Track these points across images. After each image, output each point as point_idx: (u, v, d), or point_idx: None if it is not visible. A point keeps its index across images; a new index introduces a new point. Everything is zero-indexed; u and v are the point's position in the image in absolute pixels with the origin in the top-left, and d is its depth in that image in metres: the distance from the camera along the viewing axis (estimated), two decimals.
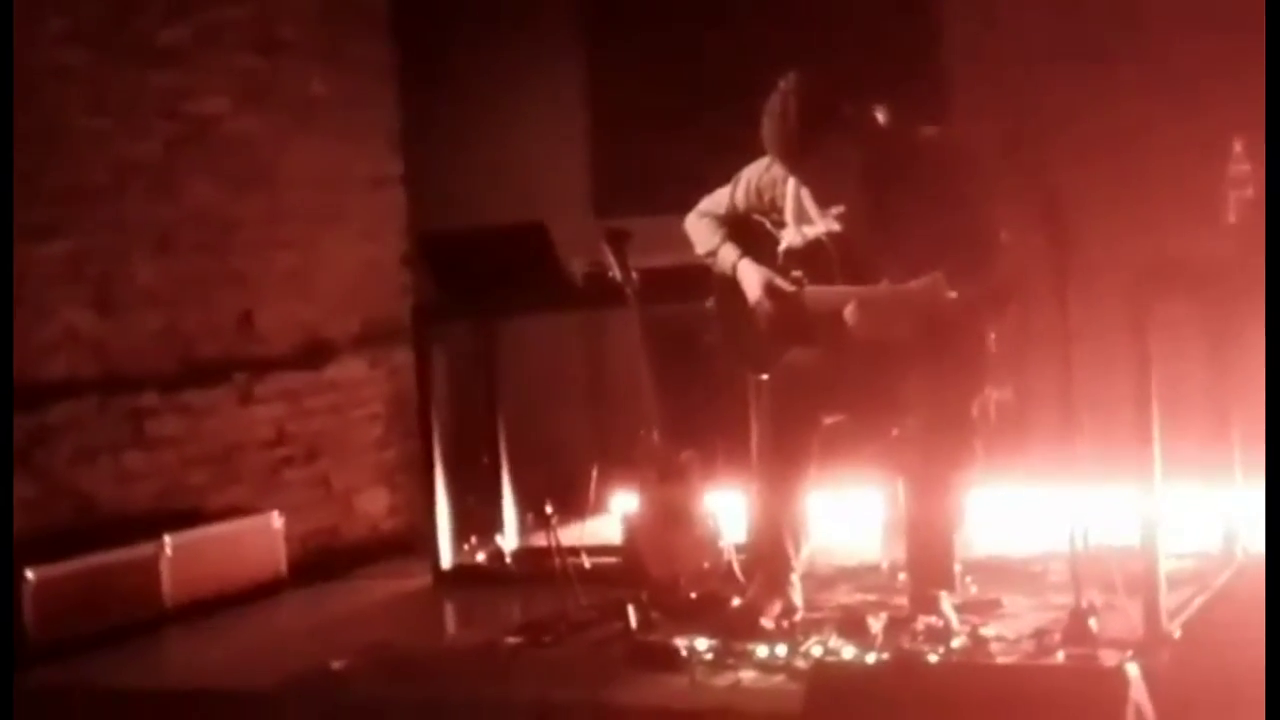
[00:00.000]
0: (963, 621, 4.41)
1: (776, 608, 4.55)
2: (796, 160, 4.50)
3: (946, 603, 4.44)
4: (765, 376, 4.79)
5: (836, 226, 4.59)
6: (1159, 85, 5.65)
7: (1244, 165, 4.28)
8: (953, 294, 4.19)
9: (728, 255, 4.84)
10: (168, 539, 5.36)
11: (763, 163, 4.76)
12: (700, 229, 4.92)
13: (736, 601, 4.67)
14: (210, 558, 5.51)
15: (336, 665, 4.58)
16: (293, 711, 4.34)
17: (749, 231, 4.83)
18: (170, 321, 5.93)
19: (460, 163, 6.79)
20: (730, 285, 4.83)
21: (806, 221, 4.66)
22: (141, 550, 5.30)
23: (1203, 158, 4.44)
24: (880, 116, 4.56)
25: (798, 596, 4.62)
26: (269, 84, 6.36)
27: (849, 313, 4.42)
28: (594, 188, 6.68)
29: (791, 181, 4.67)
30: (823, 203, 4.61)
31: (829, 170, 4.50)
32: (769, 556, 4.64)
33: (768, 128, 4.47)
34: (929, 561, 4.51)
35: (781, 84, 4.46)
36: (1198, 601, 4.47)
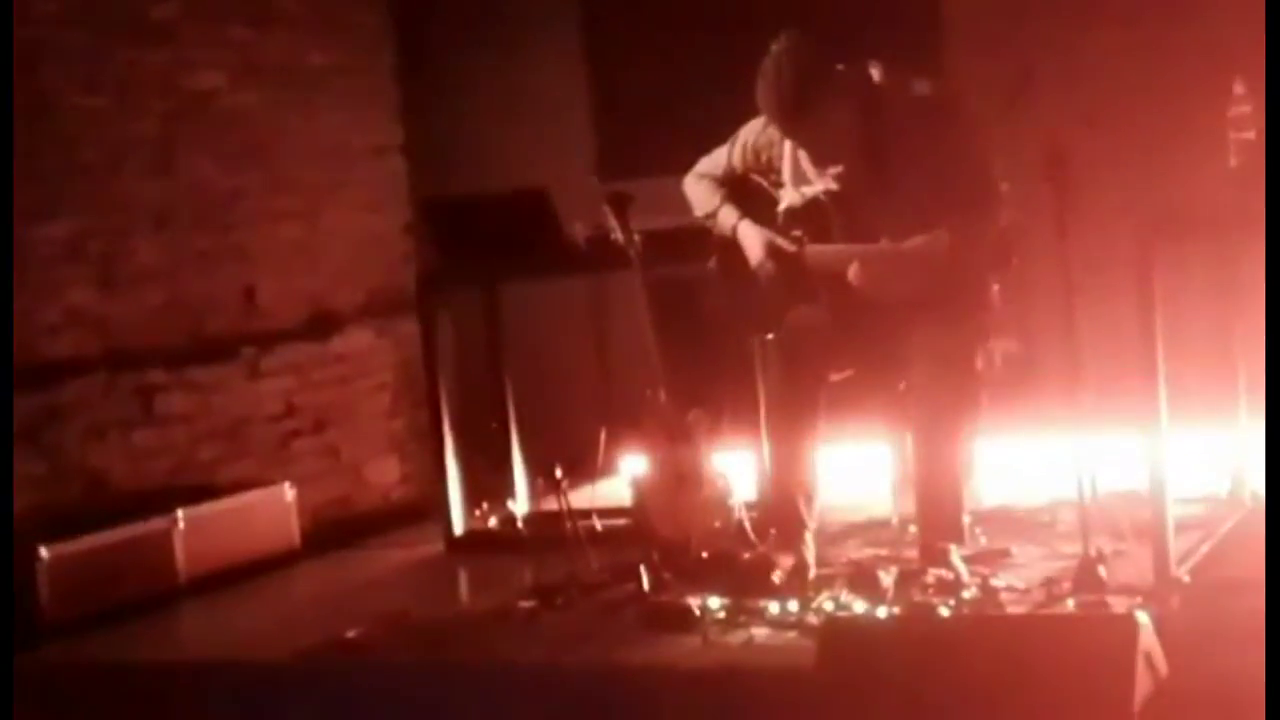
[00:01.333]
0: (972, 573, 4.42)
1: (788, 564, 4.57)
2: (791, 122, 4.49)
3: (956, 555, 4.45)
4: (770, 336, 4.80)
5: (834, 185, 4.59)
6: (1158, 31, 5.63)
7: (1244, 107, 4.26)
8: (955, 249, 4.19)
9: (728, 217, 4.83)
10: (180, 514, 5.38)
11: (759, 123, 4.74)
12: (699, 191, 4.91)
13: (748, 559, 4.68)
14: (223, 531, 5.53)
15: (351, 634, 4.59)
16: (310, 681, 4.36)
17: (747, 192, 4.81)
18: (174, 298, 5.94)
19: (461, 129, 6.78)
20: (731, 246, 4.82)
21: (804, 182, 4.65)
22: (154, 525, 5.32)
23: (1203, 101, 4.42)
24: (875, 74, 4.55)
25: (809, 553, 4.63)
26: (265, 56, 6.34)
27: (852, 272, 4.42)
28: (596, 151, 6.68)
29: (788, 143, 4.66)
30: (819, 164, 4.60)
31: (824, 132, 4.49)
32: (780, 514, 4.66)
33: (761, 90, 4.45)
34: (938, 514, 4.52)
35: (774, 46, 4.45)
36: (1206, 547, 4.48)
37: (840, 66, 4.47)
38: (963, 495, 4.55)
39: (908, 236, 4.29)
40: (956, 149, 4.39)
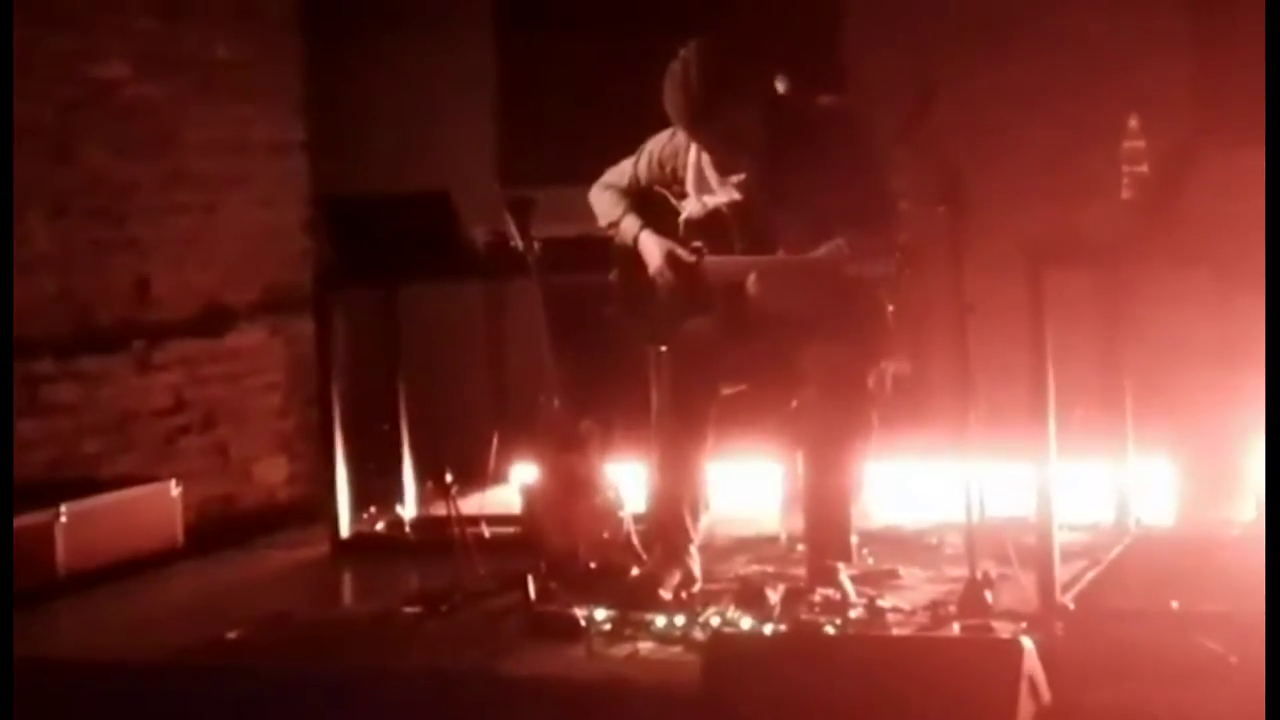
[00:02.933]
0: (860, 593, 4.44)
1: (675, 578, 4.56)
2: (696, 126, 4.50)
3: (844, 574, 4.46)
4: (664, 348, 4.80)
5: (737, 195, 4.61)
6: (1057, 60, 5.70)
7: (1138, 141, 4.32)
8: (852, 262, 4.21)
9: (630, 226, 4.84)
10: (62, 507, 5.29)
11: (665, 135, 4.78)
12: (603, 200, 4.92)
13: (635, 572, 4.67)
14: (105, 526, 5.43)
15: (231, 635, 4.54)
16: (186, 683, 4.29)
17: (651, 204, 4.83)
18: (66, 287, 5.85)
19: (364, 129, 6.74)
20: (632, 257, 4.83)
21: (707, 191, 4.67)
22: (35, 519, 5.22)
23: (1099, 133, 4.48)
24: (780, 86, 4.58)
25: (696, 567, 4.63)
26: (171, 48, 6.26)
27: (751, 283, 4.43)
28: (499, 157, 6.65)
29: (693, 151, 4.69)
30: (723, 171, 4.62)
31: (729, 137, 4.51)
32: (668, 527, 4.65)
33: (668, 93, 4.47)
34: (826, 533, 4.53)
35: (682, 51, 4.47)
36: (1091, 574, 4.52)
37: (747, 74, 4.48)
38: (851, 515, 4.57)
39: (806, 249, 4.31)
40: (856, 161, 4.44)
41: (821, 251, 4.26)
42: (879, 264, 4.22)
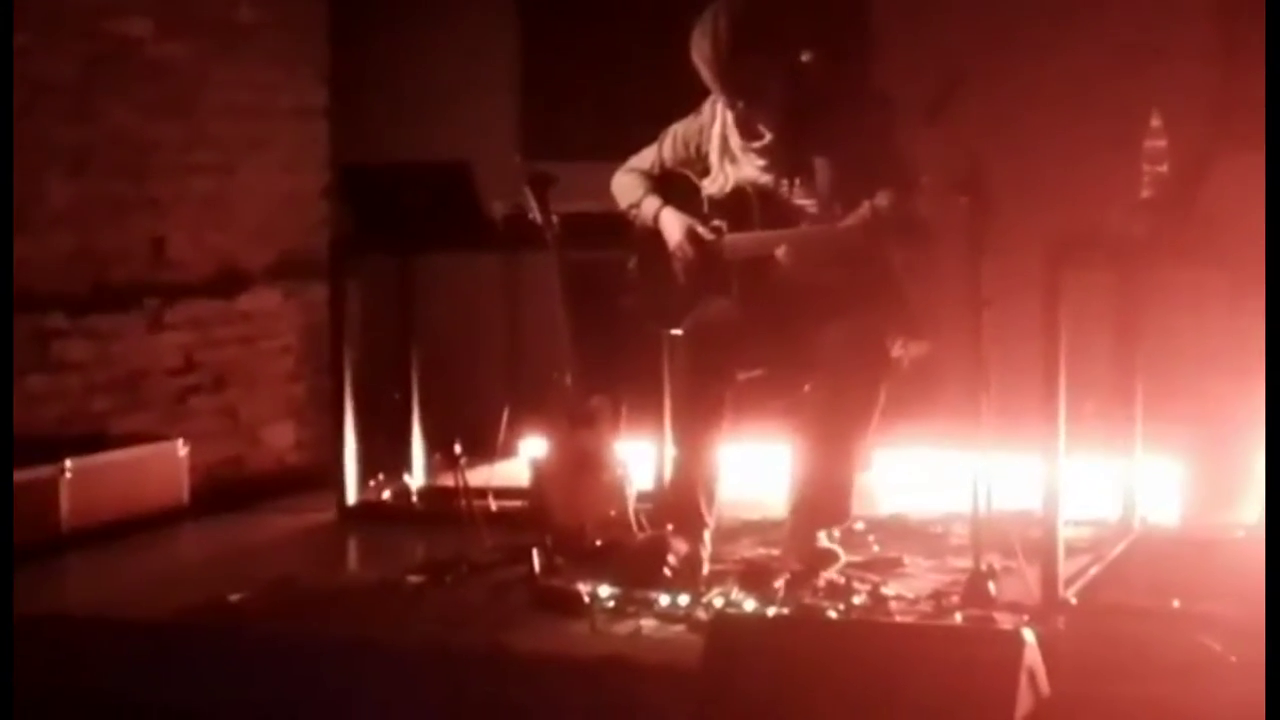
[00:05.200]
0: (863, 579, 4.44)
1: (682, 548, 4.56)
2: (722, 74, 4.53)
3: (825, 537, 4.49)
4: (678, 332, 4.81)
5: (760, 162, 4.63)
6: (1081, 57, 5.69)
7: (1159, 140, 4.31)
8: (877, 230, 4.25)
9: (650, 205, 4.86)
10: (68, 463, 5.30)
11: (690, 117, 4.83)
12: (625, 184, 4.96)
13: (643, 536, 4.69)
14: (111, 484, 5.44)
15: (234, 598, 4.55)
16: (187, 642, 4.30)
17: (674, 187, 4.87)
18: (82, 244, 5.85)
19: (387, 98, 6.72)
20: (652, 240, 4.84)
21: (731, 160, 4.69)
22: (40, 474, 5.23)
23: (1120, 132, 4.47)
24: (805, 57, 4.62)
25: (706, 551, 4.63)
26: (196, 7, 6.26)
27: (781, 253, 4.44)
28: (521, 130, 6.65)
29: (717, 123, 4.73)
30: (746, 134, 4.65)
31: (754, 91, 4.55)
32: (681, 510, 4.65)
33: (696, 40, 4.54)
34: (815, 501, 4.54)
35: (714, 3, 4.53)
36: (1095, 570, 4.53)
37: (774, 29, 4.55)
38: (852, 479, 4.57)
39: (827, 220, 4.36)
40: (878, 133, 4.48)
41: (848, 222, 4.29)
42: (903, 232, 4.25)
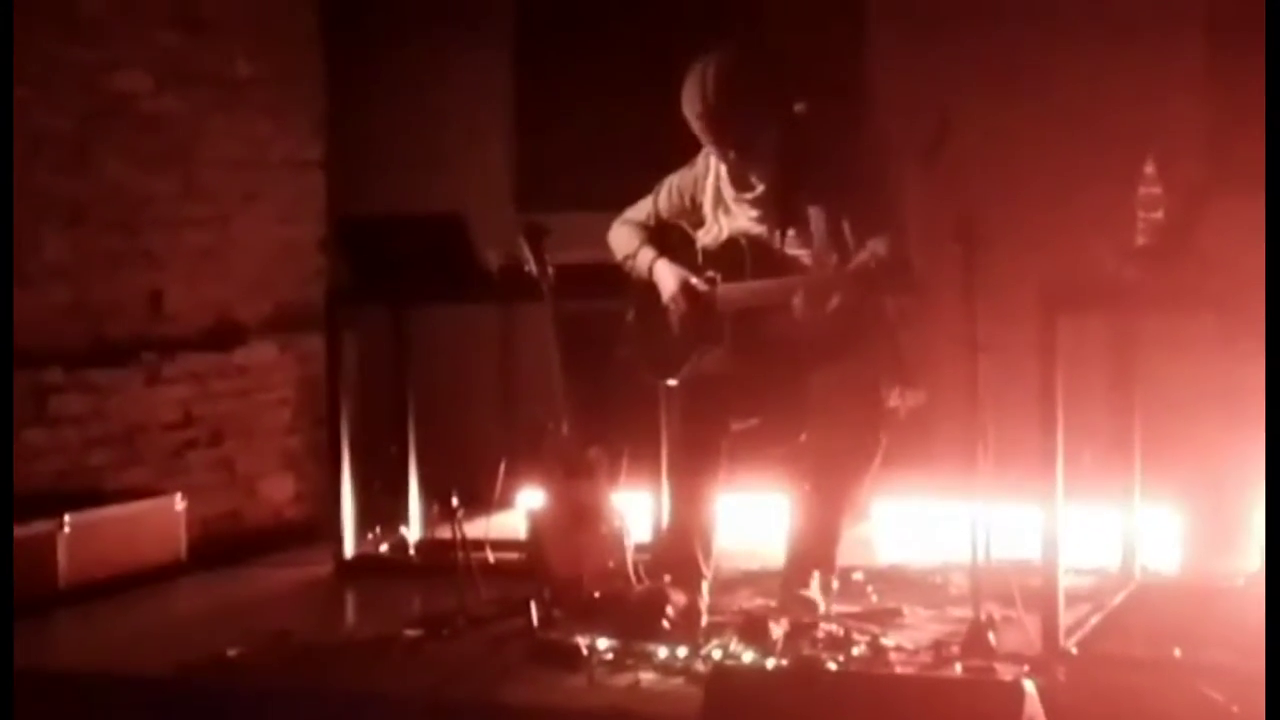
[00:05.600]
0: (863, 630, 4.43)
1: (681, 599, 4.54)
2: (712, 121, 4.54)
3: (816, 584, 4.49)
4: (672, 383, 4.81)
5: (753, 213, 4.64)
6: (1075, 103, 5.71)
7: (1154, 188, 4.32)
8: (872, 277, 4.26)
9: (645, 257, 4.87)
10: (66, 518, 5.29)
11: (685, 168, 4.85)
12: (621, 235, 4.98)
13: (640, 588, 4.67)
14: (109, 538, 5.43)
15: (232, 653, 4.53)
16: (185, 698, 4.28)
17: (669, 238, 4.88)
18: (78, 297, 5.86)
19: (383, 150, 6.75)
20: (647, 291, 4.85)
21: (724, 210, 4.71)
22: (38, 529, 5.22)
23: (1115, 178, 4.48)
24: (798, 107, 4.64)
25: (704, 602, 4.62)
26: (192, 62, 6.28)
27: (797, 304, 4.43)
28: (515, 182, 6.66)
29: (711, 175, 4.75)
30: (738, 184, 4.66)
31: (744, 142, 4.56)
32: (678, 562, 4.64)
33: (686, 91, 4.55)
34: (806, 548, 4.55)
35: (704, 56, 4.56)
36: (1095, 620, 4.51)
37: (765, 80, 4.57)
38: (840, 529, 4.57)
39: (826, 260, 4.40)
40: (872, 179, 4.50)
41: (848, 269, 4.30)
42: (897, 281, 4.25)
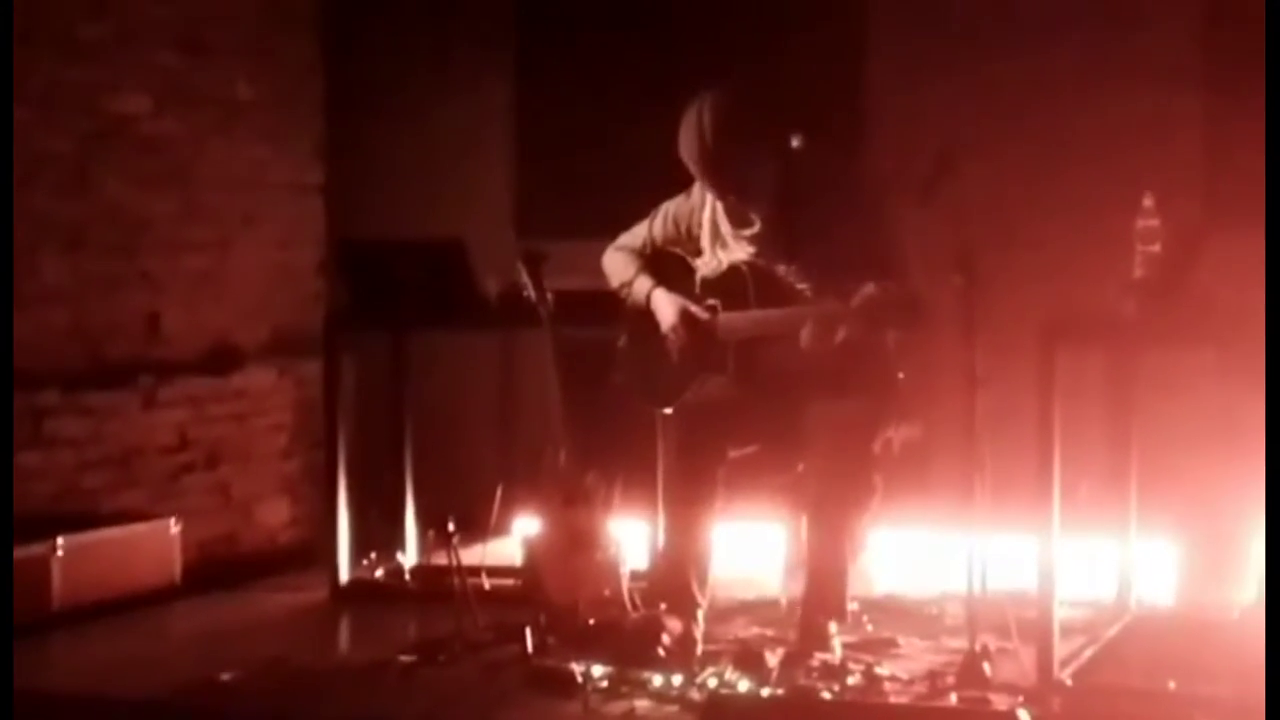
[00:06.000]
0: (857, 660, 4.43)
1: (677, 627, 4.54)
2: (709, 165, 4.53)
3: (835, 635, 4.46)
4: (668, 411, 4.81)
5: (751, 249, 4.64)
6: (1074, 138, 5.72)
7: (1153, 221, 4.33)
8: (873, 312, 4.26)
9: (642, 285, 4.86)
10: (60, 541, 5.28)
11: (681, 196, 4.84)
12: (616, 262, 4.96)
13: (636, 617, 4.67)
14: (104, 561, 5.42)
15: (226, 677, 4.52)
16: None
17: (665, 265, 4.88)
18: (76, 319, 5.86)
19: (382, 174, 6.75)
20: (642, 318, 4.85)
21: (722, 245, 4.70)
22: (32, 551, 5.21)
23: (1113, 211, 4.49)
24: (795, 142, 4.63)
25: (699, 630, 4.61)
26: (192, 85, 6.29)
27: (805, 335, 4.42)
28: (515, 207, 6.67)
29: (708, 207, 4.73)
30: (737, 222, 4.65)
31: (742, 184, 4.56)
32: (673, 589, 4.63)
33: (683, 134, 4.53)
34: (821, 592, 4.53)
35: (700, 96, 4.53)
36: (1090, 651, 4.51)
37: (763, 121, 4.56)
38: (848, 576, 4.56)
39: (825, 298, 4.38)
40: (871, 217, 4.48)
41: (854, 303, 4.30)
42: (898, 320, 4.25)
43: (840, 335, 4.38)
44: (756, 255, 4.65)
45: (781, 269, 4.60)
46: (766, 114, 4.60)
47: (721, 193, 4.62)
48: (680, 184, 4.83)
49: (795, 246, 4.56)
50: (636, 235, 4.94)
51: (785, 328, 4.50)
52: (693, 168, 4.58)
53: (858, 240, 4.43)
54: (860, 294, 4.32)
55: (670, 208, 4.88)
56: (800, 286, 4.58)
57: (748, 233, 4.66)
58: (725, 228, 4.71)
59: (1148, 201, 4.35)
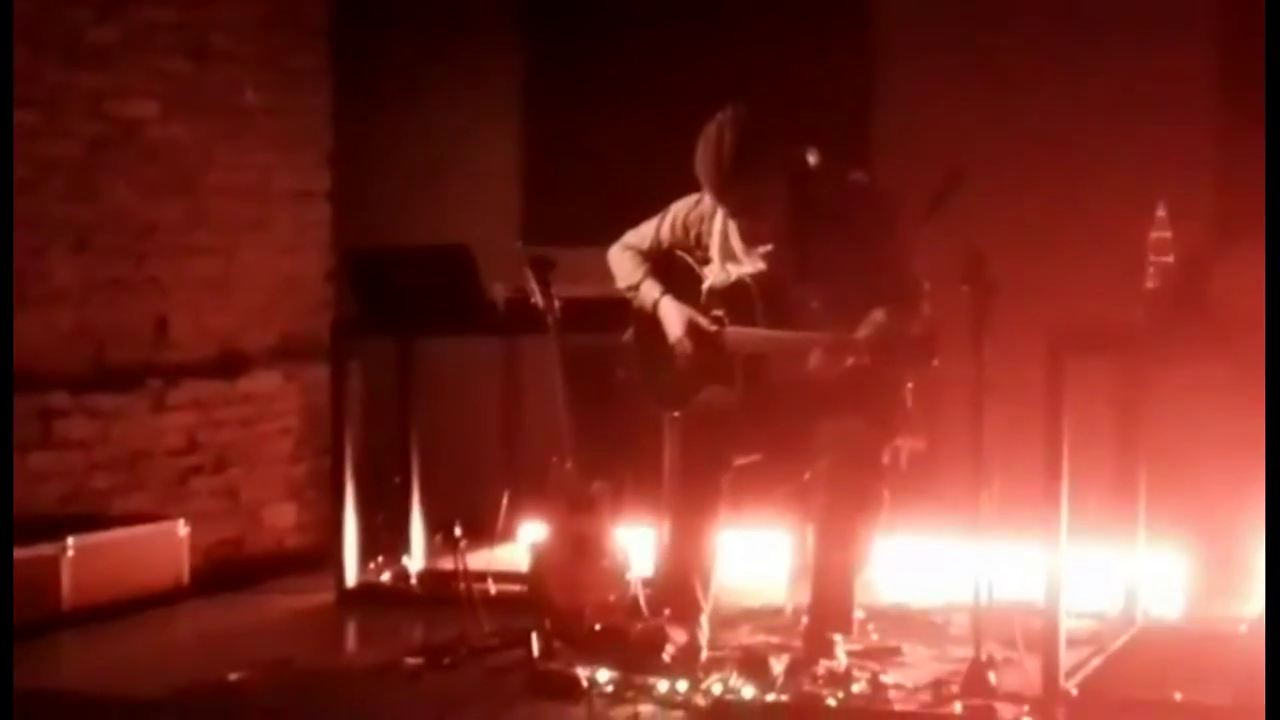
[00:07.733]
0: (863, 668, 4.43)
1: (681, 637, 4.55)
2: (725, 189, 4.52)
3: (841, 646, 4.46)
4: (677, 414, 4.81)
5: (762, 266, 4.62)
6: (1087, 150, 5.73)
7: (1165, 232, 4.34)
8: (889, 350, 4.25)
9: (650, 291, 4.85)
10: (70, 541, 5.30)
11: (691, 199, 4.80)
12: (623, 262, 4.94)
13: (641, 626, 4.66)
14: (112, 562, 5.44)
15: (233, 678, 4.53)
16: None
17: (672, 268, 4.85)
18: (84, 323, 5.87)
19: (389, 181, 6.76)
20: (649, 320, 4.84)
21: (732, 260, 4.69)
22: (42, 552, 5.23)
23: (1126, 222, 4.50)
24: (812, 159, 4.61)
25: (704, 636, 4.62)
26: (200, 90, 6.31)
27: (814, 359, 4.41)
28: (522, 214, 6.68)
29: (719, 219, 4.71)
30: (750, 240, 4.64)
31: (756, 204, 4.54)
32: (677, 595, 4.64)
33: (700, 153, 4.51)
34: (828, 603, 4.53)
35: (719, 114, 4.50)
36: (1096, 662, 4.51)
37: (780, 144, 4.53)
38: (855, 587, 4.57)
39: (830, 325, 4.34)
40: (883, 240, 4.46)
41: (862, 332, 4.28)
42: (911, 352, 4.25)
43: (849, 363, 4.36)
44: (765, 272, 4.64)
45: (790, 288, 4.58)
46: (783, 134, 4.57)
47: (736, 213, 4.61)
48: (689, 190, 4.83)
49: (806, 267, 4.54)
50: (644, 235, 4.92)
51: (793, 350, 4.48)
52: (708, 186, 4.56)
53: (869, 265, 4.41)
54: (870, 321, 4.30)
55: (680, 211, 4.85)
56: (808, 306, 4.56)
57: (760, 250, 4.64)
58: (736, 243, 4.69)
59: (1161, 213, 4.36)
